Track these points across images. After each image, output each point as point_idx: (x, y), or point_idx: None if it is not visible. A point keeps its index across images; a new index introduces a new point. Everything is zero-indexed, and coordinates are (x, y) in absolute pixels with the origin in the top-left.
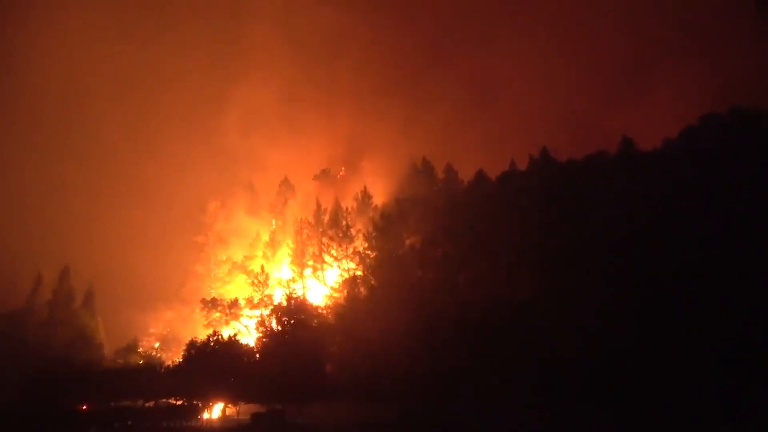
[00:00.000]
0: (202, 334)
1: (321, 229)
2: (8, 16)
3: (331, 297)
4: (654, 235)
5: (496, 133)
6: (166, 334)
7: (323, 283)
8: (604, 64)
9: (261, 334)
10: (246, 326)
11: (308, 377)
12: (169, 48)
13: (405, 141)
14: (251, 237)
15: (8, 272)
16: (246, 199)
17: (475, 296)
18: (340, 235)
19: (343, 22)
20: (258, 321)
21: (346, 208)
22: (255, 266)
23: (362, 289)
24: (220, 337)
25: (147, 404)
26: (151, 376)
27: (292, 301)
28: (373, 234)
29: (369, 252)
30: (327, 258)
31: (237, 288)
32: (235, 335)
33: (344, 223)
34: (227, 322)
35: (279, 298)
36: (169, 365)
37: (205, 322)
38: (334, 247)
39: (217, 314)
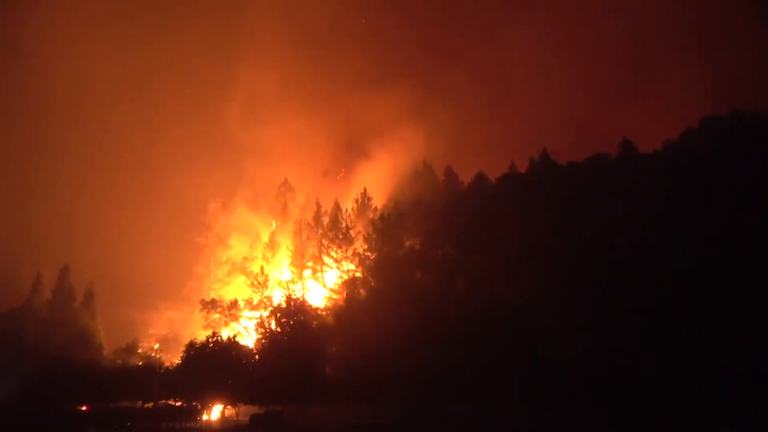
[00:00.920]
0: (201, 335)
1: (320, 231)
2: (8, 15)
3: (330, 298)
4: (654, 236)
5: (496, 135)
6: (166, 335)
7: (323, 285)
8: (605, 66)
9: (260, 336)
10: (245, 327)
11: (307, 378)
12: (168, 48)
13: (405, 143)
14: (251, 238)
15: (8, 271)
16: (246, 201)
17: (475, 298)
18: (340, 236)
19: (343, 17)
20: (257, 322)
21: (346, 210)
22: (255, 267)
23: (362, 291)
24: (219, 338)
25: (146, 405)
26: (151, 377)
27: (292, 303)
28: (373, 236)
29: (368, 254)
30: (326, 259)
31: (237, 289)
32: (234, 336)
33: (344, 224)
34: (227, 324)
35: (278, 299)
36: (168, 366)
37: (205, 323)
38: (334, 249)
39: (217, 315)
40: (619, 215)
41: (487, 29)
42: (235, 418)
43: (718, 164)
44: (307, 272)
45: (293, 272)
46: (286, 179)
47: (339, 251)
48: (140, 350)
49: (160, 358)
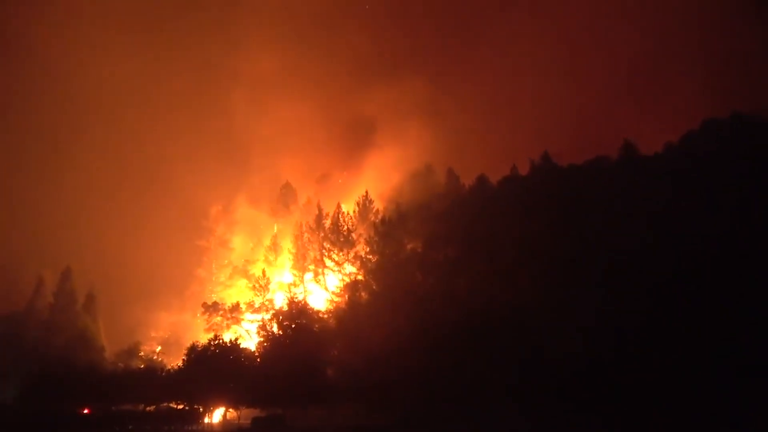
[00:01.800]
0: (203, 339)
1: (322, 234)
2: (8, 16)
3: (332, 301)
4: (655, 237)
5: (497, 137)
6: (168, 338)
7: (324, 288)
8: (606, 68)
9: (262, 339)
10: (247, 330)
11: (309, 381)
12: (168, 46)
13: (405, 146)
14: (253, 241)
15: (10, 274)
16: (248, 204)
17: (476, 300)
18: (341, 239)
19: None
20: (259, 325)
21: (347, 213)
22: (256, 270)
23: (363, 294)
24: (221, 341)
25: (148, 408)
26: (152, 380)
27: (294, 306)
28: (375, 238)
29: (370, 256)
30: (328, 262)
31: (238, 292)
32: (236, 339)
33: (345, 227)
34: (228, 327)
35: (280, 302)
36: (170, 369)
37: (207, 326)
38: (335, 252)
39: (219, 318)
40: (620, 217)
41: (487, 31)
42: (236, 421)
43: (719, 166)
44: (309, 275)
45: (295, 275)
46: (287, 182)
47: (340, 254)
48: (142, 353)
49: (161, 361)
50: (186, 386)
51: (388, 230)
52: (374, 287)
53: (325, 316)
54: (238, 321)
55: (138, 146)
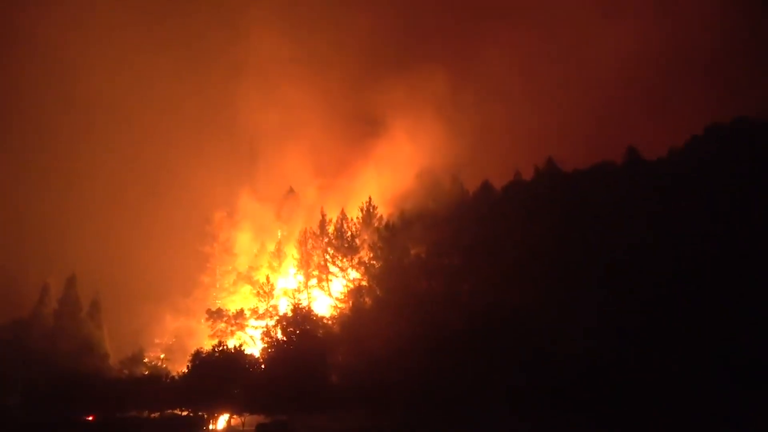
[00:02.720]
0: (207, 345)
1: (326, 240)
2: (7, 13)
3: (336, 307)
4: (659, 243)
5: (501, 143)
6: (172, 345)
7: (328, 294)
8: (610, 74)
9: (266, 345)
10: (251, 337)
11: (313, 388)
12: (171, 50)
13: (412, 147)
14: (257, 247)
15: (15, 281)
16: (252, 210)
17: (481, 306)
18: (345, 245)
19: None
20: (263, 331)
21: (352, 219)
22: (260, 277)
23: (367, 300)
24: (225, 347)
25: (152, 415)
26: (157, 387)
27: (298, 312)
28: (379, 244)
29: (374, 262)
30: (332, 268)
31: (242, 298)
32: (240, 346)
33: (349, 233)
34: (232, 333)
35: (284, 308)
36: (174, 376)
37: (211, 333)
38: (339, 258)
39: (223, 325)
40: (624, 222)
41: (491, 35)
42: (241, 428)
43: (723, 171)
44: (313, 281)
45: (299, 281)
46: (291, 188)
47: (344, 260)
48: (146, 360)
49: (166, 367)
50: (190, 393)
51: (392, 236)
52: (378, 293)
53: (330, 322)
54: (242, 327)
55: (142, 150)
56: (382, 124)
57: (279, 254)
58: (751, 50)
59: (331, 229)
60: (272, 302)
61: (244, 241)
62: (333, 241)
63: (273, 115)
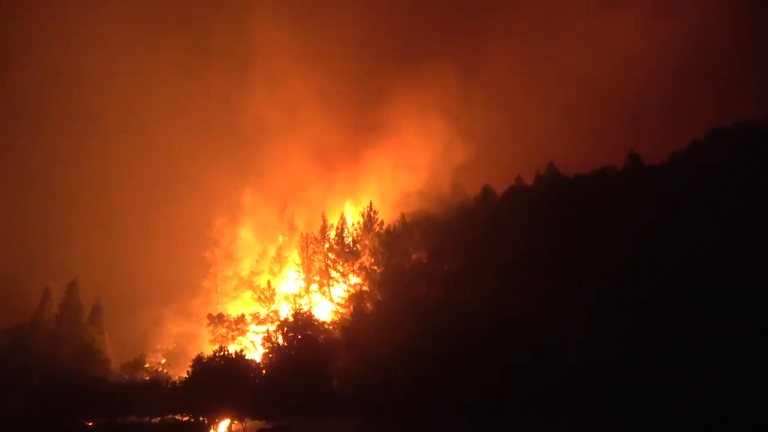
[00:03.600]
0: (208, 350)
1: (327, 245)
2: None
3: (337, 312)
4: (661, 247)
5: (502, 147)
6: (173, 350)
7: (329, 299)
8: (611, 78)
9: (267, 350)
10: (252, 342)
11: (315, 393)
12: (172, 48)
13: (410, 157)
14: (258, 253)
15: (16, 286)
16: (253, 215)
17: (482, 311)
18: (347, 250)
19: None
20: (264, 337)
21: (353, 224)
22: (262, 282)
23: (368, 305)
24: (226, 352)
25: (153, 420)
26: (158, 392)
27: (299, 317)
28: (380, 249)
29: (375, 267)
30: (333, 273)
31: (244, 304)
32: (241, 351)
33: (350, 239)
34: (234, 338)
35: (285, 313)
36: (175, 381)
37: (212, 338)
38: (340, 263)
39: (224, 330)
40: (625, 227)
41: (490, 40)
42: None
43: (725, 175)
44: (314, 286)
45: (300, 286)
46: (293, 193)
47: (345, 265)
48: (147, 365)
49: (167, 373)
50: (191, 398)
51: (393, 241)
52: (379, 298)
53: (331, 327)
54: (243, 332)
55: (144, 155)
56: (386, 125)
57: (280, 259)
58: (753, 54)
59: (332, 234)
60: (273, 307)
61: (245, 246)
62: (334, 246)
63: (277, 114)
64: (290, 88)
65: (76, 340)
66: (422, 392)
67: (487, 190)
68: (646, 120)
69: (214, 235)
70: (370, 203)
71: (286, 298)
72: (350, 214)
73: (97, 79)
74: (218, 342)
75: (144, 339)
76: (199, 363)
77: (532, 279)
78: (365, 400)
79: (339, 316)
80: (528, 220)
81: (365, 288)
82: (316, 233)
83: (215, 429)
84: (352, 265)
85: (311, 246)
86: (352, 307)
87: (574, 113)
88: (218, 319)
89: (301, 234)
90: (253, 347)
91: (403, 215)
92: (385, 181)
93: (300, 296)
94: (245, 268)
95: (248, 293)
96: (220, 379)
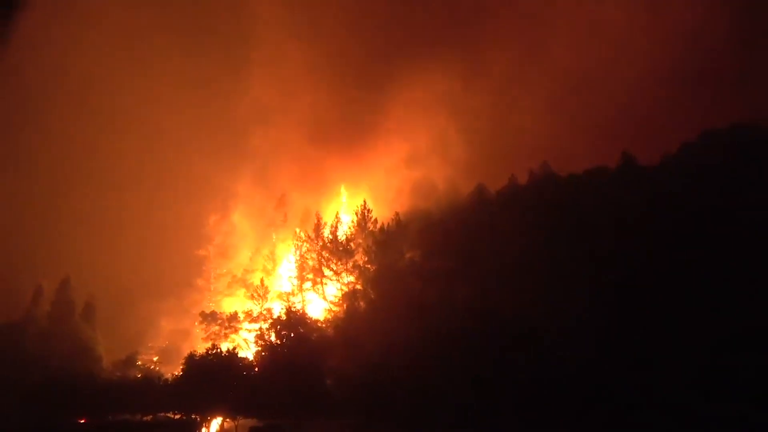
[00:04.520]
0: (201, 348)
1: (321, 243)
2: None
3: (330, 311)
4: (654, 250)
5: (496, 147)
6: (166, 347)
7: (323, 297)
8: (605, 78)
9: (260, 348)
10: (245, 340)
11: (307, 391)
12: (171, 48)
13: (404, 153)
14: (251, 250)
15: (8, 283)
16: (246, 213)
17: (475, 310)
18: (340, 248)
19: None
20: (257, 335)
21: (346, 222)
22: (255, 280)
23: (362, 303)
24: (219, 350)
25: (145, 418)
26: (150, 390)
27: (292, 315)
28: (373, 247)
29: (368, 266)
30: (326, 272)
31: (237, 301)
32: (234, 349)
33: (344, 237)
34: (226, 336)
35: (278, 311)
36: (167, 379)
37: (205, 336)
38: (334, 261)
39: (217, 328)
40: (618, 228)
41: (487, 39)
42: None
43: (718, 177)
44: (307, 284)
45: (293, 284)
46: (286, 191)
47: (339, 263)
48: (140, 362)
49: (159, 370)
50: (183, 396)
51: (387, 239)
52: (372, 296)
53: (324, 325)
54: (236, 330)
55: (135, 152)
56: (384, 123)
57: (273, 257)
58: (746, 55)
59: (326, 232)
60: (266, 305)
61: (239, 243)
62: (327, 244)
63: (275, 102)
64: (287, 75)
65: (68, 337)
66: (415, 391)
67: (481, 189)
68: (639, 120)
69: (207, 233)
70: (364, 202)
71: (280, 296)
72: (344, 211)
73: (88, 76)
74: (211, 339)
75: (136, 336)
76: (192, 361)
77: (525, 278)
78: (358, 398)
79: (332, 314)
80: (522, 219)
81: (359, 286)
82: (310, 231)
83: (207, 427)
84: (346, 264)
85: (305, 244)
86: (345, 305)
87: (568, 112)
88: (211, 317)
89: (295, 232)
90: (245, 345)
91: (397, 214)
92: (379, 178)
93: (293, 294)
94: (238, 265)
95: (241, 291)
96: (212, 377)
